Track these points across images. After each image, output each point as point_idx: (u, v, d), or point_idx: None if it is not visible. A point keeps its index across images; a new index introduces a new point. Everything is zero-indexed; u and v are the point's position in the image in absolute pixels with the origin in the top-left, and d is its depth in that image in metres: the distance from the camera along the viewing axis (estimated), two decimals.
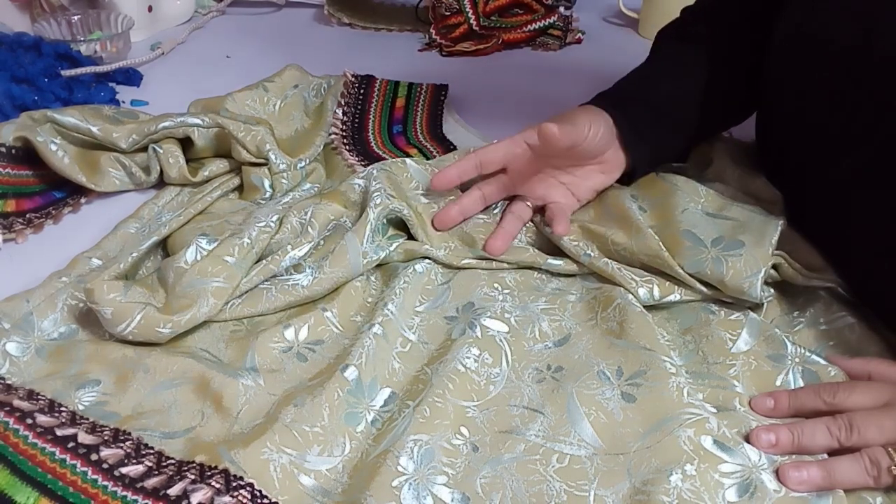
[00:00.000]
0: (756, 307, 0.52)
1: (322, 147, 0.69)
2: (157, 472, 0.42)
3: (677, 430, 0.43)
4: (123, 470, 0.42)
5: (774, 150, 0.59)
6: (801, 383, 0.47)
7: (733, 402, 0.46)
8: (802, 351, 0.48)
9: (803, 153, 0.54)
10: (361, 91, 0.77)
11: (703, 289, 0.52)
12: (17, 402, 0.45)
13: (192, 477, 0.41)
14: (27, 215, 0.62)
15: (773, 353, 0.48)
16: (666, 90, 0.60)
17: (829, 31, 0.48)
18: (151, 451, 0.43)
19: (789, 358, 0.48)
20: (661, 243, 0.52)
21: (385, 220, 0.57)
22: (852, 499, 0.41)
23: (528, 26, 0.98)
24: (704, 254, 0.52)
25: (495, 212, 0.60)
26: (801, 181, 0.55)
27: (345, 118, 0.74)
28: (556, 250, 0.57)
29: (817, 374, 0.47)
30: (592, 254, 0.54)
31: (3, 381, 0.47)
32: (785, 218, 0.53)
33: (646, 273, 0.53)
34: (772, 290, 0.52)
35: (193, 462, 0.42)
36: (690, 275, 0.52)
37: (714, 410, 0.45)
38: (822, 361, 0.48)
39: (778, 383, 0.47)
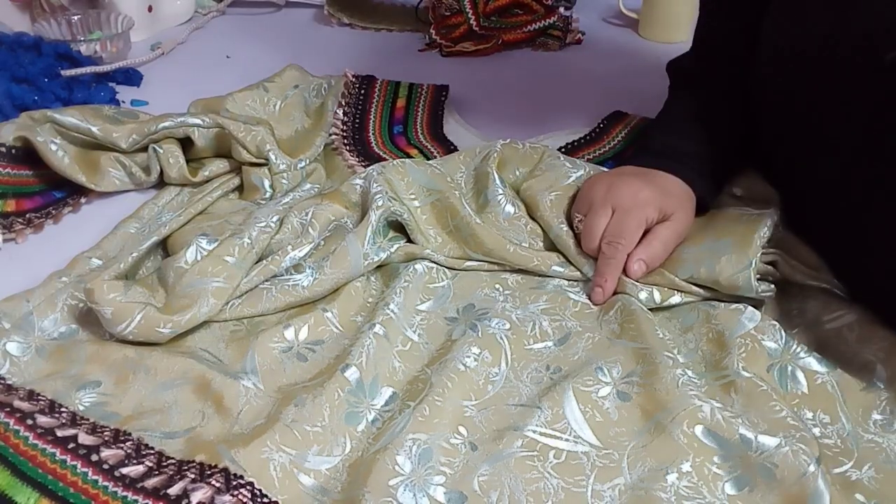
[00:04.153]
0: (756, 305, 0.52)
1: (322, 147, 0.69)
2: (157, 472, 0.42)
3: (670, 426, 0.43)
4: (124, 470, 0.42)
5: (770, 152, 0.60)
6: (787, 380, 0.48)
7: (729, 391, 0.46)
8: (797, 350, 0.49)
9: (793, 152, 0.54)
10: (362, 91, 0.77)
11: (702, 291, 0.53)
12: (17, 403, 0.45)
13: (192, 476, 0.41)
14: (27, 215, 0.62)
15: (770, 343, 0.49)
16: (702, 140, 0.61)
17: (810, 33, 0.49)
18: (152, 452, 0.43)
19: (782, 352, 0.49)
20: None
21: (386, 222, 0.57)
22: (844, 498, 0.41)
23: (528, 27, 0.98)
24: (697, 259, 0.52)
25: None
26: (796, 181, 0.55)
27: (345, 118, 0.74)
28: (558, 251, 0.57)
29: (803, 376, 0.48)
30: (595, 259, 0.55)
31: (3, 382, 0.47)
32: (780, 214, 0.54)
33: (645, 280, 0.54)
34: (772, 287, 0.52)
35: (193, 461, 0.42)
36: (687, 280, 0.52)
37: (713, 403, 0.45)
38: (813, 366, 0.48)
39: (767, 371, 0.48)
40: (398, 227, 0.59)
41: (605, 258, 0.54)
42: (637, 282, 0.53)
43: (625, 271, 0.53)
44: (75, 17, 0.92)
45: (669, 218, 0.55)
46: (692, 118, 0.62)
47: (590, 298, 0.54)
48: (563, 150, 0.71)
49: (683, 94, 0.66)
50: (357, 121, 0.74)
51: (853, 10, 0.46)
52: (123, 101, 0.82)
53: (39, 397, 0.46)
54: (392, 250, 0.56)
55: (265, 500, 0.40)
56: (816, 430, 0.45)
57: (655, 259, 0.54)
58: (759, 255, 0.51)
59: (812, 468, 0.41)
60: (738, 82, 0.60)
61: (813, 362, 0.48)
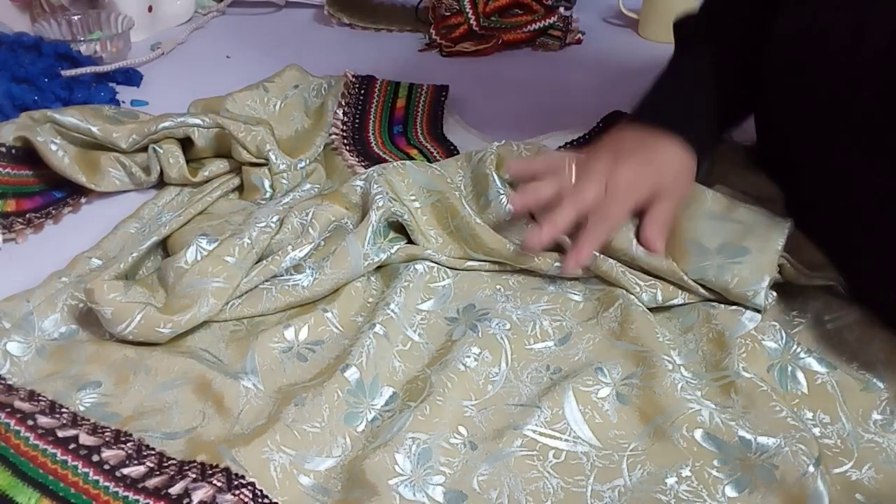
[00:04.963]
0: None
1: (322, 147, 0.69)
2: (158, 473, 0.42)
3: (670, 430, 0.43)
4: (125, 471, 0.42)
5: (773, 148, 0.60)
6: (787, 380, 0.48)
7: (730, 392, 0.46)
8: (797, 350, 0.49)
9: (801, 149, 0.54)
10: (362, 91, 0.77)
11: (707, 293, 0.52)
12: (18, 404, 0.45)
13: (194, 476, 0.41)
14: (27, 215, 0.62)
15: (771, 343, 0.49)
16: (708, 97, 0.61)
17: (823, 28, 0.49)
18: (153, 452, 0.43)
19: (782, 352, 0.49)
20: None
21: (386, 223, 0.57)
22: (844, 498, 0.41)
23: (529, 27, 0.98)
24: (709, 261, 0.52)
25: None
26: (800, 177, 0.55)
27: (345, 118, 0.74)
28: (560, 251, 0.57)
29: (803, 377, 0.48)
30: (597, 255, 0.54)
31: (3, 382, 0.47)
32: (791, 219, 0.54)
33: (649, 277, 0.53)
34: (774, 294, 0.52)
35: (194, 461, 0.42)
36: (694, 280, 0.52)
37: (712, 406, 0.45)
38: (813, 366, 0.48)
39: (767, 371, 0.48)
40: (399, 228, 0.59)
41: (589, 231, 0.53)
42: (640, 281, 0.53)
43: (645, 244, 0.53)
44: (75, 17, 0.92)
45: (661, 195, 0.54)
46: (699, 75, 0.62)
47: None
48: (562, 149, 0.71)
49: (690, 52, 0.65)
50: (357, 121, 0.74)
51: (881, 3, 0.46)
52: (123, 101, 0.82)
53: (40, 398, 0.46)
54: (392, 251, 0.56)
55: (266, 500, 0.40)
56: (816, 431, 0.45)
57: (664, 234, 0.54)
58: (775, 272, 0.51)
59: (812, 468, 0.41)
60: (747, 43, 0.59)
61: (813, 363, 0.49)
